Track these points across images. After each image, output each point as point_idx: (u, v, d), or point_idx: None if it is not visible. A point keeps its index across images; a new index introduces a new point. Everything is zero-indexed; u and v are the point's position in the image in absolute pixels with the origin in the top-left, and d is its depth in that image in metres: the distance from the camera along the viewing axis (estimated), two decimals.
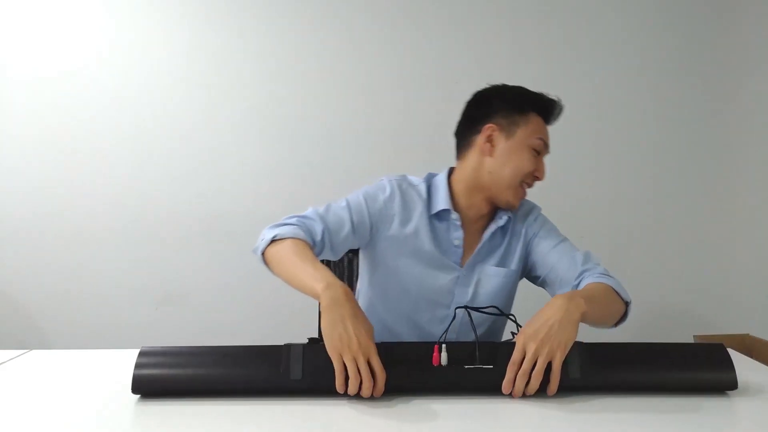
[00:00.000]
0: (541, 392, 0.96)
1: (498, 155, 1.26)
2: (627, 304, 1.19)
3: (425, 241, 1.28)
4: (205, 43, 2.42)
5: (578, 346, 0.98)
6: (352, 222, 1.25)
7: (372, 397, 0.95)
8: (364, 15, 2.42)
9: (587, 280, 1.20)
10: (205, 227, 2.45)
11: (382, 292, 1.34)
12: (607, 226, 2.47)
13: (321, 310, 1.00)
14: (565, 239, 1.34)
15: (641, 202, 2.47)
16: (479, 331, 1.07)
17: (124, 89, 2.42)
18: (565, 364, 0.96)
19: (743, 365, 1.11)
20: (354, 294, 1.38)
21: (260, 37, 2.42)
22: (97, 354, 1.26)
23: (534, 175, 1.27)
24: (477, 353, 0.97)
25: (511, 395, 0.95)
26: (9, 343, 2.23)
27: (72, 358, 1.25)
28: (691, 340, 2.01)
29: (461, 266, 1.29)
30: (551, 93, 1.31)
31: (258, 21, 2.41)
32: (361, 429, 0.87)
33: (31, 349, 1.30)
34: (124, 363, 1.03)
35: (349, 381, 0.93)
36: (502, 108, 1.27)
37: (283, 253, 1.13)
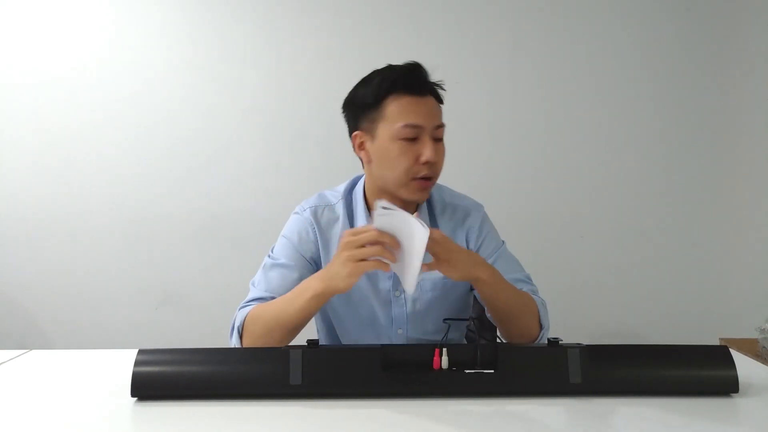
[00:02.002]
0: (541, 393, 0.96)
1: (373, 160, 1.17)
2: (541, 327, 1.14)
3: None
4: (205, 43, 2.42)
5: (580, 348, 0.98)
6: (297, 275, 1.18)
7: (372, 395, 0.95)
8: (365, 15, 2.41)
9: (521, 287, 1.18)
10: (205, 227, 2.45)
11: (338, 323, 1.29)
12: (608, 226, 2.46)
13: (331, 289, 1.01)
14: (503, 244, 1.27)
15: (650, 200, 2.46)
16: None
17: (123, 90, 2.42)
18: (566, 367, 0.96)
19: (750, 368, 1.11)
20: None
21: (261, 37, 2.42)
22: (97, 354, 1.26)
23: (420, 163, 1.12)
24: (478, 357, 0.97)
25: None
26: (9, 343, 2.24)
27: (72, 358, 1.25)
28: (716, 343, 1.99)
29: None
30: (411, 60, 1.18)
31: (259, 21, 2.41)
32: None
33: (31, 349, 1.30)
34: (124, 363, 1.03)
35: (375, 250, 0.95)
36: (358, 110, 1.17)
37: (255, 326, 1.09)
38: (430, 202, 1.27)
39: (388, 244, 0.95)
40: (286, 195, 2.43)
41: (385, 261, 0.96)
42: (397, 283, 1.22)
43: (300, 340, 1.04)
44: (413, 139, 1.11)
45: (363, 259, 0.96)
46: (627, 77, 2.43)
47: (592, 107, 2.43)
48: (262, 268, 1.22)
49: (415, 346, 1.08)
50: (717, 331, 2.24)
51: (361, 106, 1.16)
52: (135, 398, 0.98)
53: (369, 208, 1.23)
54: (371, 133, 1.15)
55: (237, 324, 1.12)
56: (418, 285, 1.22)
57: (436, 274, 1.16)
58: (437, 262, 0.99)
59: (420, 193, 1.15)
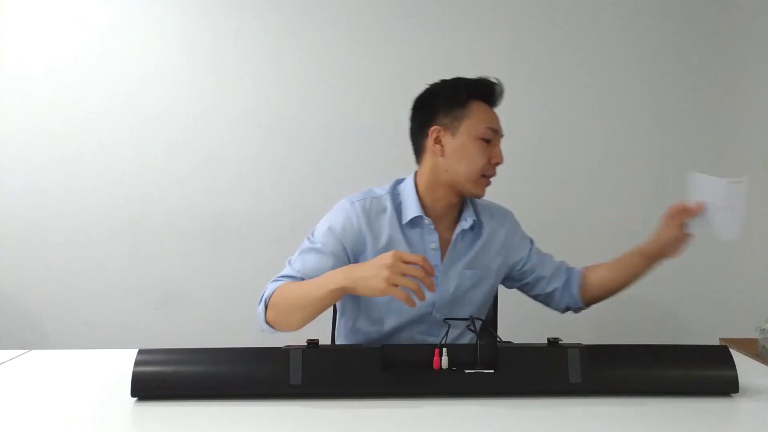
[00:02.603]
0: (541, 393, 0.96)
1: (449, 154, 1.26)
2: None
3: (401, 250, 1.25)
4: (205, 43, 2.41)
5: (580, 348, 0.98)
6: (332, 263, 1.23)
7: (372, 395, 0.95)
8: (365, 15, 2.41)
9: (576, 270, 1.40)
10: (205, 227, 2.45)
11: (366, 311, 1.32)
12: (608, 226, 2.46)
13: (353, 288, 1.03)
14: (532, 241, 1.44)
15: (650, 200, 2.46)
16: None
17: (123, 89, 2.42)
18: (566, 367, 0.96)
19: (750, 368, 1.11)
20: (336, 325, 1.46)
21: (260, 37, 2.42)
22: (97, 354, 1.26)
23: (491, 164, 1.26)
24: (478, 357, 0.97)
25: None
26: (9, 343, 2.24)
27: (72, 358, 1.25)
28: (717, 343, 1.99)
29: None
30: (490, 76, 1.30)
31: (259, 21, 2.41)
32: None
33: (31, 349, 1.30)
34: (124, 363, 1.03)
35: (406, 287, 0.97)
36: (442, 106, 1.27)
37: (281, 301, 1.14)
38: (472, 202, 1.37)
39: (426, 279, 0.97)
40: (285, 195, 2.44)
41: (413, 297, 0.97)
42: (446, 269, 1.29)
43: (300, 339, 1.04)
44: (488, 141, 1.25)
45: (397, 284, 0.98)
46: (626, 77, 2.43)
47: (591, 107, 2.43)
48: (300, 249, 1.27)
49: (415, 346, 1.08)
50: (717, 331, 2.24)
51: (446, 103, 1.27)
52: (135, 398, 0.98)
53: (421, 200, 1.29)
54: (452, 129, 1.26)
55: (266, 295, 1.17)
56: (460, 273, 1.30)
57: (476, 267, 1.31)
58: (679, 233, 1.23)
59: (483, 189, 1.28)
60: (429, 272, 0.99)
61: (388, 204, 1.30)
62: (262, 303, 1.18)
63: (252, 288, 2.41)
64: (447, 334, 1.04)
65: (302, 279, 1.20)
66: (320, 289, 1.07)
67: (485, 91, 1.28)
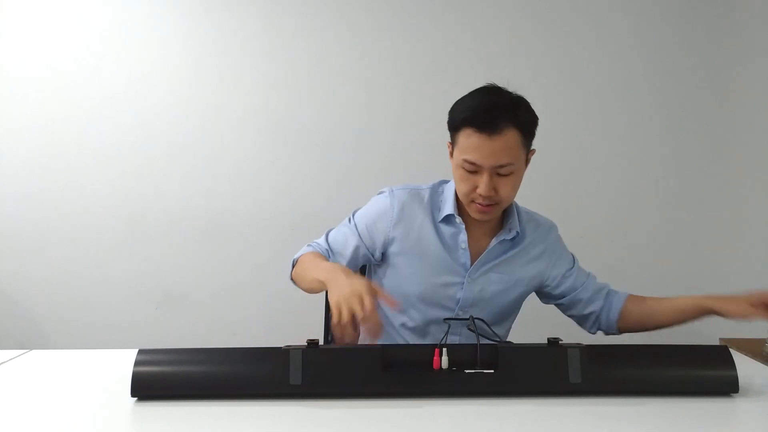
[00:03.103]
0: (541, 393, 0.96)
1: (454, 170, 1.26)
2: None
3: (432, 244, 1.30)
4: (206, 43, 2.41)
5: (580, 348, 0.98)
6: (357, 246, 1.32)
7: (372, 395, 0.95)
8: (365, 15, 2.41)
9: (619, 296, 1.37)
10: (205, 227, 2.44)
11: (398, 276, 1.35)
12: (608, 226, 2.46)
13: (328, 288, 1.09)
14: (575, 259, 1.42)
15: (650, 200, 2.46)
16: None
17: (124, 90, 2.41)
18: (566, 367, 0.96)
19: (750, 368, 1.11)
20: None
21: (261, 37, 2.41)
22: (97, 354, 1.26)
23: (476, 192, 1.20)
24: (478, 357, 0.97)
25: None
26: (9, 343, 2.24)
27: (72, 358, 1.25)
28: (717, 343, 1.99)
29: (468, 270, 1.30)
30: (495, 97, 1.21)
31: (259, 21, 2.41)
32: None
33: (31, 349, 1.30)
34: (124, 363, 1.03)
35: (332, 326, 1.00)
36: (449, 126, 1.26)
37: (300, 266, 1.28)
38: (518, 212, 1.36)
39: (368, 322, 0.98)
40: (286, 195, 2.43)
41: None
42: (474, 271, 1.30)
43: (300, 339, 1.04)
44: (474, 172, 1.19)
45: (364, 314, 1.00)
46: (626, 77, 2.43)
47: (591, 107, 2.43)
48: (340, 224, 1.36)
49: (415, 346, 1.08)
50: (717, 331, 2.23)
51: (449, 121, 1.25)
52: (135, 398, 0.98)
53: (458, 202, 1.29)
54: (452, 148, 1.26)
55: (296, 256, 1.32)
56: (487, 276, 1.31)
57: (508, 272, 1.32)
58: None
59: (479, 215, 1.24)
60: (372, 321, 0.98)
61: (427, 198, 1.33)
62: (292, 263, 1.31)
63: (252, 288, 2.43)
64: (447, 333, 1.04)
65: (327, 252, 1.32)
66: (315, 272, 1.17)
67: (474, 119, 1.17)
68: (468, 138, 1.18)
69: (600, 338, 1.05)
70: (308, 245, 1.34)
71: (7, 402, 1.00)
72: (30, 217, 2.43)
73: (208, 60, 2.42)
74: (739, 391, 0.97)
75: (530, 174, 2.36)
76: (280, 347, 1.00)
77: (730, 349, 1.02)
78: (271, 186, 2.44)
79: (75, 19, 2.40)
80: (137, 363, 0.98)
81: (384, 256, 1.34)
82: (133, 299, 2.44)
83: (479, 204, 1.22)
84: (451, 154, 1.25)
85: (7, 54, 2.40)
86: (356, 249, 1.32)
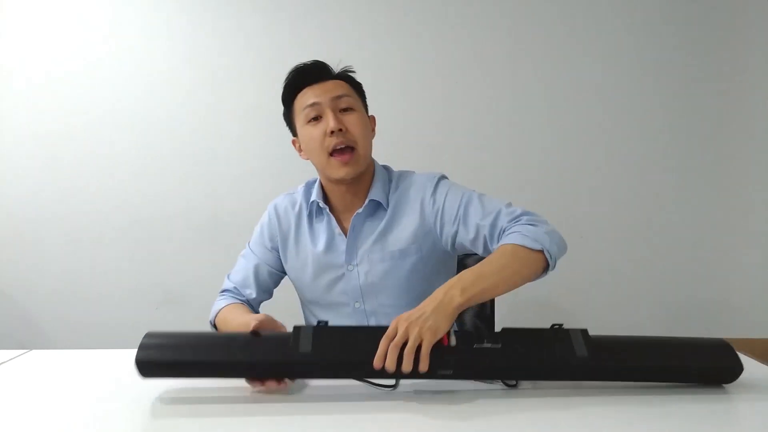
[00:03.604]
0: (548, 366, 0.98)
1: (306, 153, 1.29)
2: (542, 251, 1.10)
3: (308, 246, 1.31)
4: (206, 44, 2.41)
5: (581, 333, 0.99)
6: (256, 265, 1.35)
7: (381, 372, 0.95)
8: (364, 15, 2.41)
9: (501, 242, 1.13)
10: (205, 227, 2.44)
11: (307, 304, 1.40)
12: (608, 226, 2.46)
13: None
14: (472, 193, 1.24)
15: (650, 200, 2.46)
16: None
17: (124, 90, 2.42)
18: (570, 343, 0.97)
19: (750, 368, 1.10)
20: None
21: (261, 37, 2.42)
22: (97, 354, 1.26)
23: (327, 135, 1.20)
24: (484, 334, 0.98)
25: (416, 375, 0.94)
26: (9, 343, 2.23)
27: (72, 358, 1.25)
28: None
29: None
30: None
31: (259, 21, 2.41)
32: (363, 427, 0.87)
33: (31, 349, 1.30)
34: (124, 363, 1.03)
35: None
36: (285, 120, 1.32)
37: (222, 326, 1.29)
38: (390, 180, 1.32)
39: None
40: None
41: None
42: (350, 257, 1.27)
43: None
44: (318, 118, 1.22)
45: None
46: (626, 77, 2.43)
47: (591, 107, 2.43)
48: (240, 256, 1.41)
49: None
50: (717, 332, 2.24)
51: (284, 115, 1.31)
52: (136, 398, 0.98)
53: (325, 195, 1.31)
54: (294, 131, 1.30)
55: (210, 319, 1.34)
56: (368, 257, 1.26)
57: (387, 247, 1.25)
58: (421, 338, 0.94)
59: (343, 168, 1.21)
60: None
61: (300, 199, 1.35)
62: (210, 319, 1.34)
63: None
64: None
65: (234, 288, 1.35)
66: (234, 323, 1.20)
67: (300, 79, 1.26)
68: (302, 94, 1.25)
69: (606, 329, 1.04)
70: (219, 295, 1.37)
71: (7, 402, 1.00)
72: (30, 217, 2.43)
73: (208, 60, 2.42)
74: (739, 391, 0.98)
75: (530, 174, 2.39)
76: (289, 331, 1.00)
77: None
78: (271, 186, 2.44)
79: (75, 19, 2.40)
80: (143, 343, 0.99)
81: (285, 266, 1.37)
82: (133, 299, 2.45)
83: (339, 153, 1.21)
84: (300, 147, 1.30)
85: (7, 54, 2.40)
86: (256, 269, 1.35)
